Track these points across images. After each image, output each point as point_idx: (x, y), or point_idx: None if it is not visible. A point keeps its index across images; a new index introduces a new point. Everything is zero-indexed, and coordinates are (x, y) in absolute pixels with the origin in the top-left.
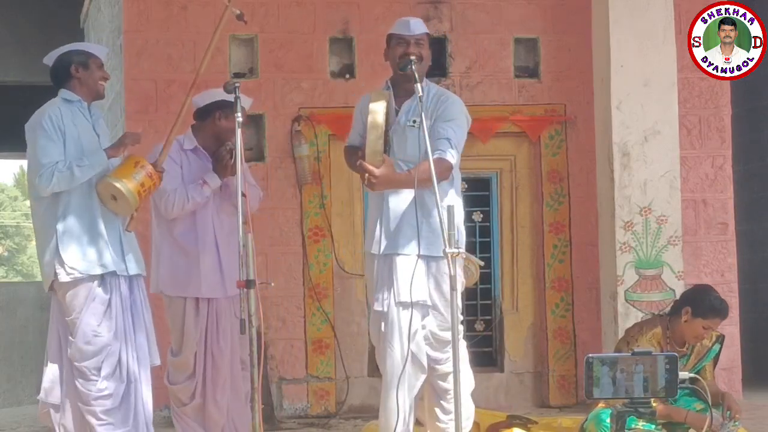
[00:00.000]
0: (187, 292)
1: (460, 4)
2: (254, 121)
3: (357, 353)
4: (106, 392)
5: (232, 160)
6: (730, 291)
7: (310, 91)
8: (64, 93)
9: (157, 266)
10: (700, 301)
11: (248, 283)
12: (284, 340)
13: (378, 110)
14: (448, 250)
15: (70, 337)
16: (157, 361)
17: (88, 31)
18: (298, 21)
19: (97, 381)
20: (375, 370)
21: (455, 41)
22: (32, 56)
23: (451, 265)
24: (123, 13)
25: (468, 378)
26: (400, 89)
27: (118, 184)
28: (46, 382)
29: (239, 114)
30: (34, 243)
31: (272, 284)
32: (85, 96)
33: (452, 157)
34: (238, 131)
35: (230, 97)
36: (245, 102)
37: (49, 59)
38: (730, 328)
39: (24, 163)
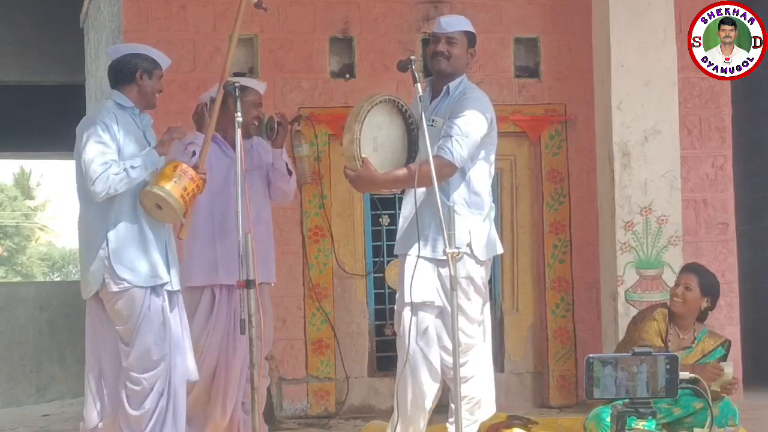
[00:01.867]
0: (204, 279)
1: (460, 3)
2: None
3: (357, 353)
4: (149, 407)
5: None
6: (730, 291)
7: (310, 91)
8: (117, 96)
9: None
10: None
11: (248, 283)
12: (284, 340)
13: (355, 113)
14: (448, 250)
15: (125, 347)
16: (194, 377)
17: (87, 30)
18: (298, 21)
19: (149, 395)
20: (375, 371)
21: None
22: (32, 56)
23: (451, 265)
24: (123, 12)
25: (487, 383)
26: (433, 88)
27: (160, 192)
28: (89, 404)
29: (239, 114)
30: (33, 243)
31: (272, 284)
32: (139, 103)
33: (450, 154)
34: (238, 131)
35: (260, 89)
36: (260, 86)
37: (115, 52)
38: (730, 328)
39: (24, 163)
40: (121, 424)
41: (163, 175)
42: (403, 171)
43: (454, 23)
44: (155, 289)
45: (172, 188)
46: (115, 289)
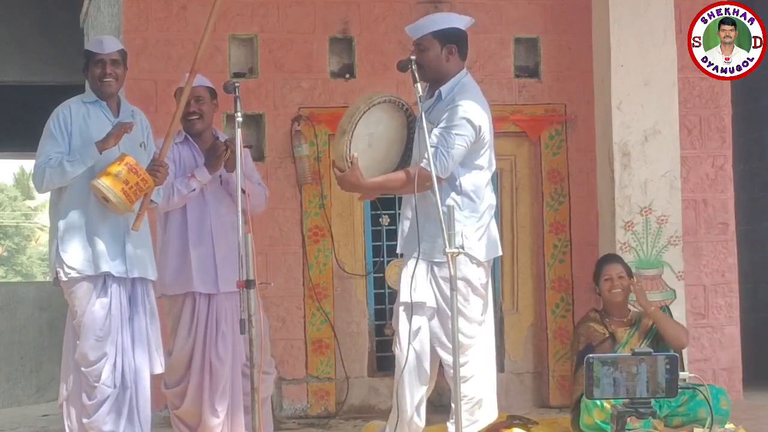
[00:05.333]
0: (181, 288)
1: (461, 3)
2: (254, 121)
3: (357, 353)
4: (99, 398)
5: (227, 156)
6: (730, 291)
7: (310, 91)
8: (86, 93)
9: (159, 268)
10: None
11: (248, 283)
12: (284, 340)
13: (350, 113)
14: (448, 250)
15: (77, 341)
16: (158, 370)
17: (87, 31)
18: (298, 21)
19: (96, 387)
20: (375, 371)
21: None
22: (32, 56)
23: (451, 265)
24: (123, 12)
25: (489, 384)
26: (430, 91)
27: (99, 185)
28: (60, 385)
29: (239, 113)
30: (33, 243)
31: (272, 284)
32: (100, 96)
33: (432, 166)
34: (238, 131)
35: (197, 82)
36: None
37: None
38: (730, 328)
39: (24, 162)
40: (79, 412)
41: (108, 167)
42: (387, 177)
43: (419, 28)
44: (105, 283)
45: (111, 182)
46: (64, 278)
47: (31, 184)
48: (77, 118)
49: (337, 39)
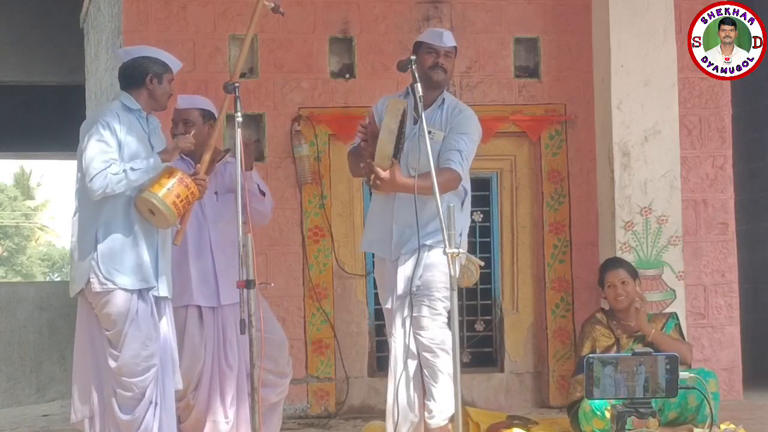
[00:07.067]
0: (180, 300)
1: (460, 3)
2: (254, 121)
3: (357, 353)
4: (137, 414)
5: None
6: (730, 291)
7: (310, 91)
8: (125, 98)
9: None
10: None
11: (248, 283)
12: None
13: (394, 115)
14: (448, 250)
15: (113, 351)
16: (179, 386)
17: (87, 30)
18: (298, 21)
19: (141, 400)
20: (375, 371)
21: (455, 41)
22: (32, 56)
23: (451, 265)
24: (123, 12)
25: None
26: (424, 98)
27: (151, 198)
28: (77, 401)
29: (239, 114)
30: (33, 243)
31: (272, 284)
32: (147, 106)
33: (460, 167)
34: (238, 131)
35: (187, 104)
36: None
37: (126, 54)
38: (730, 328)
39: (24, 163)
40: (110, 428)
41: (158, 181)
42: (422, 178)
43: (452, 38)
44: (141, 294)
45: (164, 195)
46: (98, 289)
47: (32, 184)
48: (123, 126)
49: (337, 39)
